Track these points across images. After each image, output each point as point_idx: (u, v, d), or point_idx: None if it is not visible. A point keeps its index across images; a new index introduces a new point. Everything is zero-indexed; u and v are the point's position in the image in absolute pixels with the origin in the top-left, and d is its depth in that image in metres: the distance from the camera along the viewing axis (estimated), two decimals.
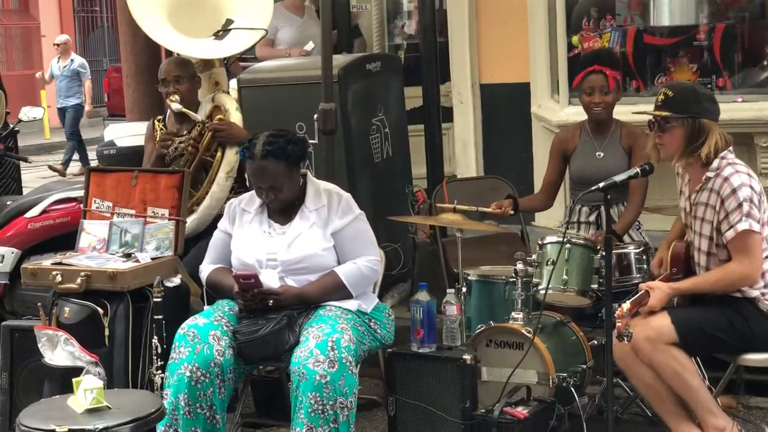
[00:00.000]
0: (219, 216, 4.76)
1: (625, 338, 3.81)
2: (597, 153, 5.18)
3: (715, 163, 4.02)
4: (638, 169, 4.11)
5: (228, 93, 5.73)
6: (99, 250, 4.78)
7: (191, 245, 5.08)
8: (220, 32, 5.69)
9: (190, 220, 5.20)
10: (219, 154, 5.27)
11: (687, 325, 4.00)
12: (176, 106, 5.28)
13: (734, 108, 6.80)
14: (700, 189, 4.06)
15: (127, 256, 4.68)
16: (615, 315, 3.80)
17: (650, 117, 4.15)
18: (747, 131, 6.75)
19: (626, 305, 3.81)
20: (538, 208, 5.39)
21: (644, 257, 4.69)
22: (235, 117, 5.36)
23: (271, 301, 4.25)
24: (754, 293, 4.03)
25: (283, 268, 4.31)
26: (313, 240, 4.32)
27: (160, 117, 5.59)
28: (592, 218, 5.15)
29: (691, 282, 4.06)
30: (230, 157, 5.23)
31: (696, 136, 4.03)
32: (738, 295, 4.03)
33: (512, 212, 5.24)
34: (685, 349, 4.06)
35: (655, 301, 3.95)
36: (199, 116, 5.31)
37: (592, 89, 5.14)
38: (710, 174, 4.02)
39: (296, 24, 7.61)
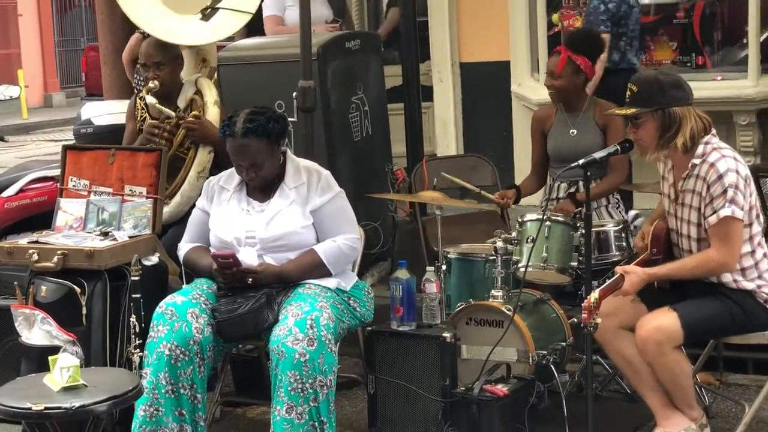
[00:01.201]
0: (190, 210, 4.73)
1: (591, 329, 3.78)
2: (571, 131, 5.18)
3: (700, 149, 3.99)
4: (618, 146, 4.10)
5: (215, 68, 5.64)
6: (76, 228, 4.75)
7: (168, 227, 5.05)
8: (208, 10, 5.61)
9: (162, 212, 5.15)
10: (192, 152, 5.20)
11: (696, 327, 3.97)
12: (151, 99, 5.20)
13: (714, 86, 6.84)
14: (687, 176, 4.03)
15: (105, 234, 4.65)
16: (583, 305, 3.76)
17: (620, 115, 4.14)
18: (726, 109, 6.78)
19: (595, 295, 3.75)
20: (536, 190, 5.38)
21: (623, 235, 4.69)
22: (212, 112, 5.23)
23: (250, 279, 4.23)
24: (750, 285, 4.00)
25: (261, 245, 4.29)
26: (293, 217, 4.30)
27: (142, 94, 5.51)
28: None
29: (668, 268, 4.04)
30: (202, 157, 5.16)
31: (668, 127, 3.97)
32: (734, 287, 4.00)
33: (514, 204, 5.23)
34: (686, 344, 4.06)
35: (629, 287, 3.92)
36: (173, 112, 5.17)
37: (547, 71, 5.18)
38: (696, 161, 3.99)
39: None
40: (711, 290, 4.03)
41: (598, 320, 3.76)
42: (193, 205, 4.65)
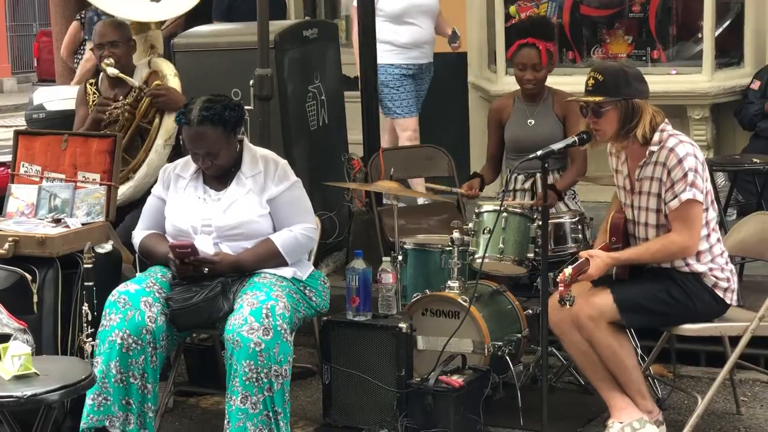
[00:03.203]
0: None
1: (567, 303, 3.81)
2: (529, 121, 5.18)
3: (656, 136, 4.02)
4: (576, 138, 4.11)
5: (162, 56, 5.63)
6: (27, 215, 4.68)
7: (126, 212, 5.00)
8: None
9: (126, 188, 5.12)
10: (157, 120, 5.19)
11: (629, 303, 4.02)
12: (112, 70, 5.17)
13: (668, 80, 6.89)
14: (644, 164, 4.06)
15: (57, 221, 4.58)
16: (558, 279, 3.80)
17: (582, 102, 4.12)
18: (680, 103, 6.84)
19: (568, 270, 3.81)
20: (492, 181, 5.38)
21: (580, 227, 4.71)
22: (173, 83, 5.27)
23: (206, 269, 4.19)
24: (701, 268, 4.04)
25: (218, 233, 4.25)
26: (249, 206, 4.27)
27: (92, 81, 5.47)
28: (527, 185, 5.16)
29: (631, 252, 4.07)
30: (169, 124, 5.14)
31: (630, 118, 4.00)
32: (685, 270, 4.04)
33: (479, 191, 5.22)
34: (626, 325, 4.08)
35: (594, 270, 3.95)
36: (136, 81, 5.21)
37: (524, 65, 5.10)
38: (654, 148, 4.02)
39: None
40: (661, 274, 4.07)
41: (573, 294, 3.79)
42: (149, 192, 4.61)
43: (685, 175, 3.94)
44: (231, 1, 7.18)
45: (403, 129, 6.94)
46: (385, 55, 6.59)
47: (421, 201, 6.45)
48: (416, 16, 6.87)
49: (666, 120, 4.08)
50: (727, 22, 7.16)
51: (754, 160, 5.72)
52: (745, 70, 6.97)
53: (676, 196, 3.96)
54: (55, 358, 4.18)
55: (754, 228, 4.38)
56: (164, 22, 5.87)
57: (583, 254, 4.00)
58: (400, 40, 6.86)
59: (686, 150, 3.97)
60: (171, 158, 5.06)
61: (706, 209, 4.03)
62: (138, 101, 5.19)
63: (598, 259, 3.97)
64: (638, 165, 4.08)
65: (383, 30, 6.57)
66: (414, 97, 6.99)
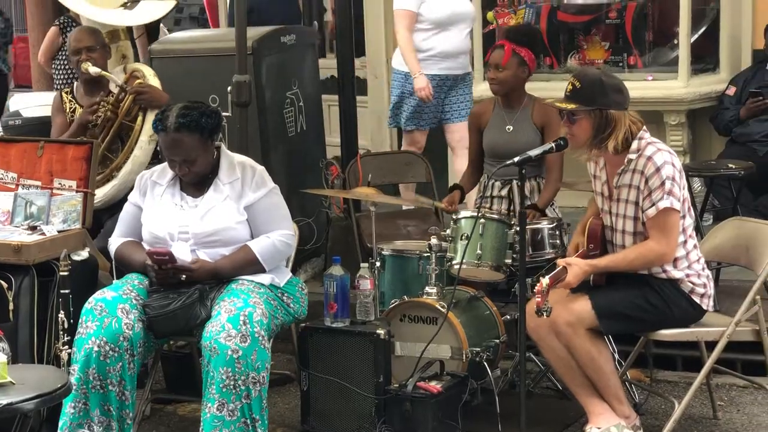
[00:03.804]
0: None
1: (545, 313, 3.82)
2: (507, 127, 5.18)
3: (635, 144, 4.03)
4: (553, 144, 4.12)
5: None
6: (3, 222, 4.65)
7: (106, 216, 4.99)
8: (128, 3, 5.60)
9: (110, 187, 5.14)
10: (140, 118, 5.21)
11: (607, 309, 4.03)
12: (94, 69, 5.22)
13: (644, 86, 6.91)
14: (623, 171, 4.07)
15: (33, 228, 4.55)
16: (534, 290, 3.80)
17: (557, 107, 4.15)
18: (657, 109, 6.87)
19: (545, 280, 3.81)
20: (473, 186, 5.37)
21: (557, 233, 4.72)
22: (154, 83, 5.31)
23: (184, 276, 4.18)
24: (679, 274, 4.06)
25: (195, 240, 4.24)
26: (227, 213, 4.26)
27: (67, 89, 5.48)
28: (504, 192, 5.15)
29: (609, 259, 4.08)
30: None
31: (603, 128, 4.01)
32: (662, 276, 4.06)
33: (459, 203, 5.19)
34: (604, 331, 4.09)
35: (572, 278, 3.96)
36: (119, 80, 5.23)
37: (490, 66, 5.16)
38: (632, 156, 4.03)
39: None
40: (638, 280, 4.08)
41: (550, 304, 3.80)
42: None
43: (663, 183, 3.96)
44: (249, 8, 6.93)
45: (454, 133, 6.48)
46: (422, 65, 6.22)
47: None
48: (457, 23, 6.46)
49: (645, 128, 4.09)
50: (703, 29, 7.20)
51: (730, 165, 5.75)
52: (721, 76, 7.01)
53: (653, 204, 3.98)
54: (31, 366, 4.15)
55: (730, 233, 4.41)
56: (134, 31, 5.91)
57: (561, 262, 4.00)
58: (438, 48, 6.37)
59: (664, 158, 3.99)
60: (153, 163, 5.07)
61: (683, 216, 4.05)
62: (119, 101, 5.19)
63: (576, 267, 3.98)
64: (616, 172, 4.09)
65: (423, 39, 6.28)
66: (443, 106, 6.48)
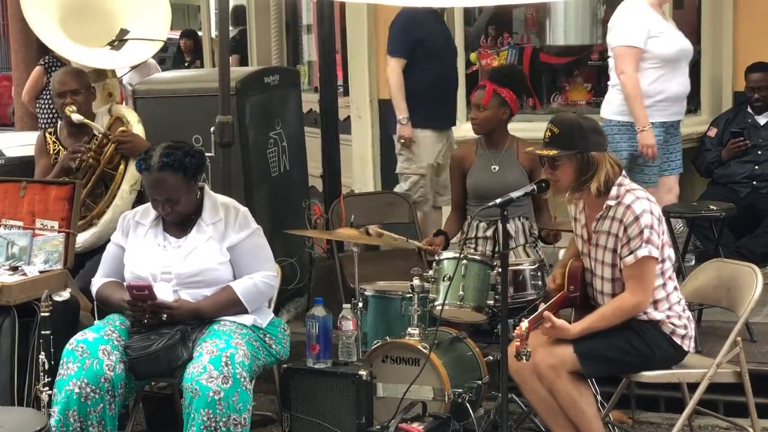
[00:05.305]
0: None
1: (524, 357, 3.82)
2: (492, 167, 5.21)
3: (614, 191, 4.06)
4: (534, 186, 4.15)
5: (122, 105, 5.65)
6: None
7: (88, 257, 4.97)
8: (116, 42, 5.61)
9: (90, 234, 5.09)
10: (122, 167, 5.19)
11: (589, 352, 4.03)
12: (77, 116, 5.17)
13: None
14: (601, 217, 4.09)
15: (14, 269, 4.53)
16: (514, 334, 3.81)
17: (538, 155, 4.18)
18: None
19: (524, 324, 3.82)
20: (457, 232, 5.37)
21: (539, 274, 4.73)
22: (137, 129, 5.29)
23: (165, 315, 4.17)
24: (659, 316, 4.07)
25: (178, 281, 4.23)
26: (210, 253, 4.26)
27: (50, 129, 5.46)
28: (489, 233, 5.18)
29: (589, 321, 4.07)
30: (134, 170, 5.10)
31: (585, 170, 4.05)
32: (644, 318, 4.07)
33: (443, 250, 5.13)
34: (587, 374, 4.10)
35: (549, 333, 4.00)
36: (101, 127, 5.20)
37: (472, 106, 5.23)
38: (611, 203, 4.06)
39: (667, 28, 5.82)
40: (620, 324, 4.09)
41: (529, 349, 3.80)
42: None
43: (641, 232, 3.98)
44: (418, 40, 6.23)
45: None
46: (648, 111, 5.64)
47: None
48: (684, 61, 5.85)
49: (624, 173, 4.12)
50: None
51: (711, 207, 5.78)
52: (702, 118, 7.06)
53: (631, 252, 4.00)
54: (11, 409, 4.12)
55: (711, 275, 4.42)
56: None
57: (546, 317, 3.99)
58: (669, 91, 5.79)
59: (642, 207, 4.01)
60: (135, 204, 5.05)
61: (663, 261, 4.06)
62: (102, 147, 5.17)
63: (556, 331, 4.00)
64: (595, 217, 4.12)
65: (652, 80, 5.72)
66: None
